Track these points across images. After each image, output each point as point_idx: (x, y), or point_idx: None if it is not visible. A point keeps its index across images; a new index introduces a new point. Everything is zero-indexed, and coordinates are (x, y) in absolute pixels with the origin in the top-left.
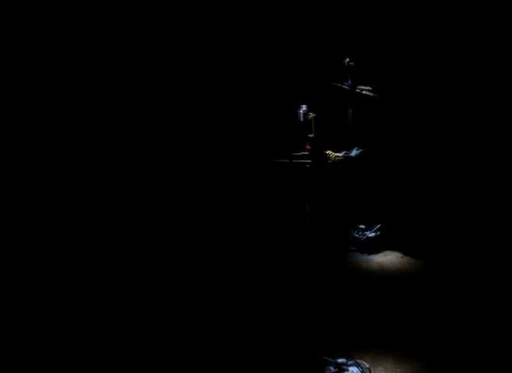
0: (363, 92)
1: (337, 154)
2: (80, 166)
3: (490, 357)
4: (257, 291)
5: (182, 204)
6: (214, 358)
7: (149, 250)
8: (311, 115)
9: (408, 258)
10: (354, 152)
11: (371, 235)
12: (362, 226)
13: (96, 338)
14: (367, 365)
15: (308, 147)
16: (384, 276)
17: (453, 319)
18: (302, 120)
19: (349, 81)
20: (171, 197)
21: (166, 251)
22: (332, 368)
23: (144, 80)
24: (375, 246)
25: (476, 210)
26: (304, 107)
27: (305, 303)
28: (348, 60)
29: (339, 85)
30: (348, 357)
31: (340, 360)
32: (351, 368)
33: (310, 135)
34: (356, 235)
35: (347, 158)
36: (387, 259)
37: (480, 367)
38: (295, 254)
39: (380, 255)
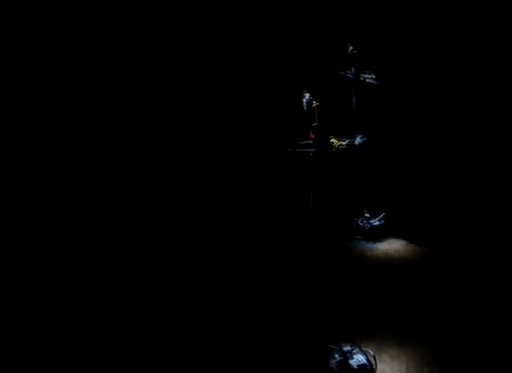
0: (367, 80)
1: (341, 142)
2: (80, 166)
3: (492, 342)
4: (262, 280)
5: (186, 194)
6: (222, 343)
7: (149, 246)
8: (315, 103)
9: (412, 245)
10: (358, 140)
11: (376, 223)
12: (366, 214)
13: (97, 338)
14: (372, 353)
15: (312, 135)
16: (389, 263)
17: (456, 306)
18: (306, 108)
19: (353, 70)
20: (176, 186)
21: (169, 238)
22: (337, 356)
23: (147, 70)
24: (380, 234)
25: (480, 198)
26: (308, 96)
27: (311, 292)
28: (351, 48)
29: (343, 73)
30: (353, 345)
31: (345, 348)
32: (356, 356)
33: (314, 124)
34: (361, 224)
35: (351, 146)
36: (392, 246)
37: (483, 353)
38: (300, 243)
39: (385, 243)
